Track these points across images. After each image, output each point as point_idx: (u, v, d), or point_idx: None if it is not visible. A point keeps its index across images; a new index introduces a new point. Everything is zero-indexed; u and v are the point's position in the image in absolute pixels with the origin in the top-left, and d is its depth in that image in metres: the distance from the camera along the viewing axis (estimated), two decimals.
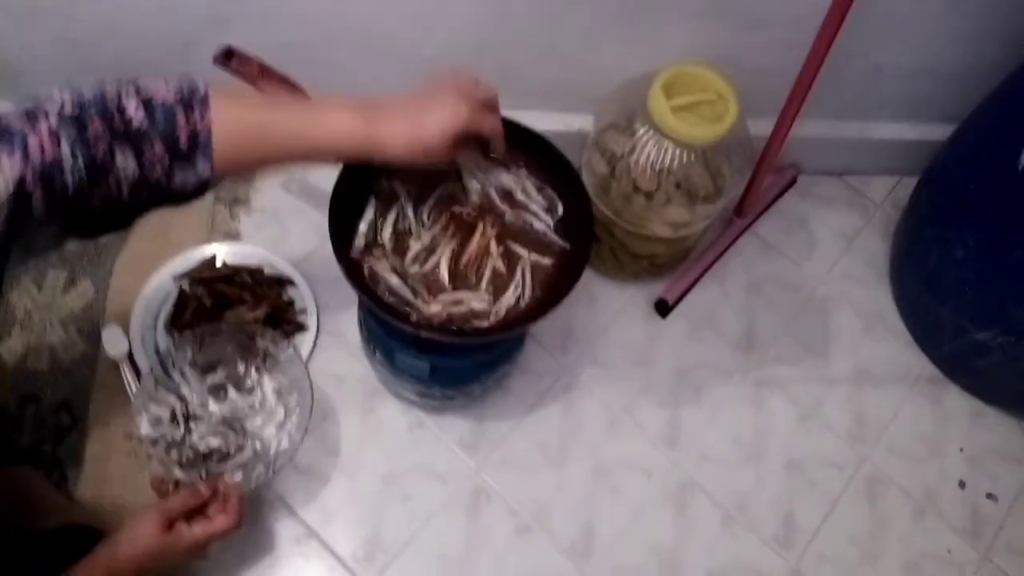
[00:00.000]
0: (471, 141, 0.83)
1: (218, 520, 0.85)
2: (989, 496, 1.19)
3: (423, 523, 1.07)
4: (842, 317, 1.30)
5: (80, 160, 0.65)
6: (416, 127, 0.77)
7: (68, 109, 0.65)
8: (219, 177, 0.73)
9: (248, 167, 0.77)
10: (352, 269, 0.88)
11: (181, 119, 0.69)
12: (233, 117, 0.72)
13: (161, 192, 0.72)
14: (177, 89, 0.70)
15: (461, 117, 0.78)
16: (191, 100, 0.69)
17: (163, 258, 1.16)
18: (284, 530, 1.05)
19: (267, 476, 0.97)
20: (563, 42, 1.13)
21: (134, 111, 0.67)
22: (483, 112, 0.81)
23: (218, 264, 1.16)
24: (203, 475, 0.94)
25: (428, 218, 0.92)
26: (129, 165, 0.68)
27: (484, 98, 0.82)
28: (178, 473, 0.93)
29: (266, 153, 0.75)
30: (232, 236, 1.22)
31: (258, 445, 0.99)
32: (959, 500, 1.18)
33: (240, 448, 0.97)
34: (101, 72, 1.13)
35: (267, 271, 1.17)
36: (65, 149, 0.64)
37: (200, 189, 0.74)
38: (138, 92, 0.68)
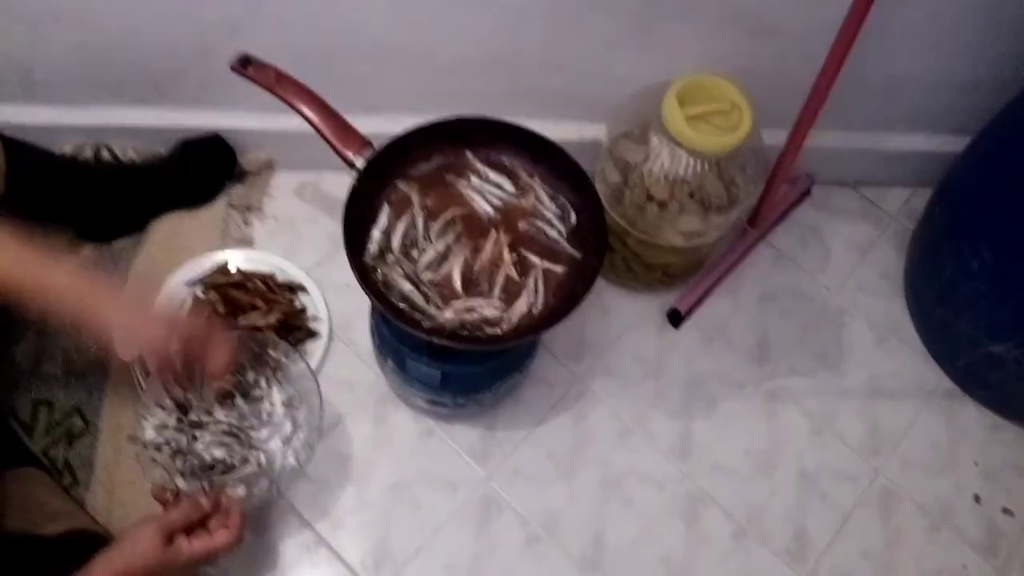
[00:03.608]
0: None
1: (219, 535, 0.84)
2: (1005, 511, 1.17)
3: (432, 532, 1.07)
4: (856, 329, 1.29)
5: None
6: (126, 320, 0.83)
7: None
8: None
9: None
10: (365, 275, 0.88)
11: None
12: None
13: None
14: None
15: (163, 335, 0.84)
16: None
17: (177, 264, 1.16)
18: (293, 537, 1.04)
19: (271, 494, 0.96)
20: (577, 51, 1.13)
21: None
22: (193, 346, 0.85)
23: (231, 270, 1.17)
24: (206, 486, 0.93)
25: (436, 236, 0.92)
26: None
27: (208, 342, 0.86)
28: (180, 482, 0.92)
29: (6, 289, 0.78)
30: (245, 243, 1.23)
31: (262, 459, 0.98)
32: (974, 515, 1.16)
33: (244, 460, 0.96)
34: (119, 78, 1.15)
35: (280, 277, 1.17)
36: None
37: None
38: None
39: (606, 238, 0.92)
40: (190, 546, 0.82)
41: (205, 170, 1.23)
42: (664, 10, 1.07)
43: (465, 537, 1.07)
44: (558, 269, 0.92)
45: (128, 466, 1.03)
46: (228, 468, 0.95)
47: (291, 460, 0.98)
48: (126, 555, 0.79)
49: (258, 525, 1.04)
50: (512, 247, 0.93)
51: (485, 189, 0.95)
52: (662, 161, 1.04)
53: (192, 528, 0.85)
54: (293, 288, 1.17)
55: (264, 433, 0.99)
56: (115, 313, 0.81)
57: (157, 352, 0.86)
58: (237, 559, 1.01)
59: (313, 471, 1.08)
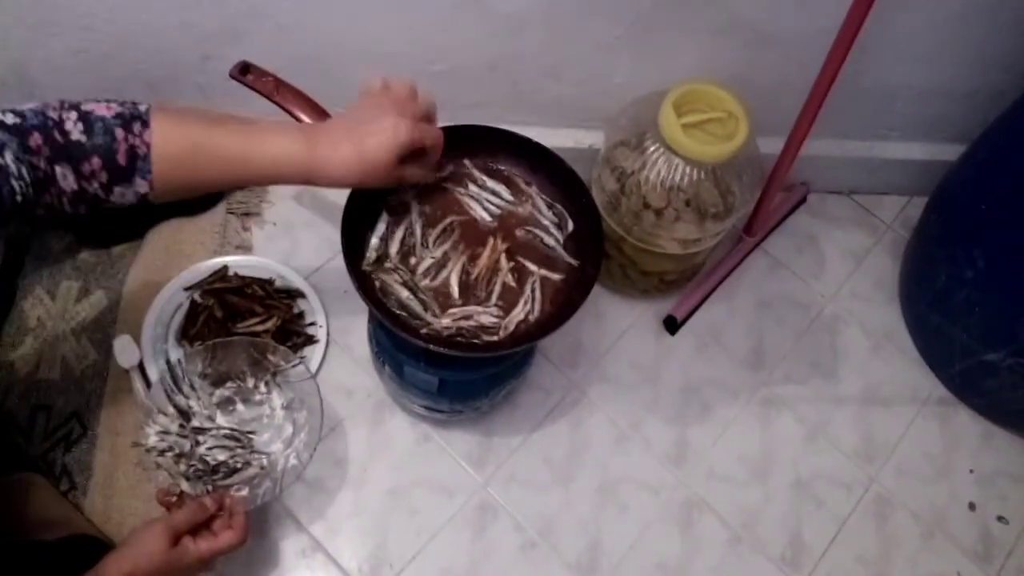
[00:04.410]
0: (416, 156, 0.84)
1: (224, 536, 0.85)
2: (999, 519, 1.18)
3: (429, 538, 1.07)
4: (851, 336, 1.30)
5: (23, 169, 0.66)
6: (358, 150, 0.78)
7: (9, 120, 0.67)
8: (159, 194, 0.74)
9: (189, 186, 0.77)
10: (363, 282, 0.89)
11: (120, 135, 0.70)
12: (172, 137, 0.73)
13: (99, 206, 0.74)
14: (118, 107, 0.71)
15: (401, 136, 0.78)
16: (130, 118, 0.71)
17: (175, 269, 1.17)
18: (290, 542, 1.05)
19: (274, 493, 0.97)
20: (574, 59, 1.14)
21: (72, 125, 0.69)
22: (422, 126, 0.81)
23: (230, 276, 1.17)
24: (209, 489, 0.94)
25: (433, 244, 0.93)
26: (68, 178, 0.69)
27: (422, 111, 0.83)
28: (185, 486, 0.93)
29: (206, 173, 0.76)
30: (244, 248, 1.23)
31: (265, 461, 0.98)
32: (969, 522, 1.17)
33: (247, 463, 0.97)
34: (119, 84, 1.15)
35: (278, 283, 1.17)
36: (7, 158, 0.65)
37: (139, 204, 0.75)
38: (78, 109, 0.70)
39: (603, 246, 0.93)
40: (196, 547, 0.83)
41: None
42: (661, 19, 1.07)
43: (461, 543, 1.07)
44: (555, 276, 0.93)
45: (126, 471, 1.03)
46: (231, 471, 0.96)
47: (293, 461, 0.99)
48: (133, 556, 0.80)
49: (255, 529, 1.04)
50: (509, 254, 0.93)
51: (483, 196, 0.96)
52: (658, 169, 1.04)
53: (197, 529, 0.85)
54: (291, 294, 1.18)
55: (266, 436, 1.00)
56: (341, 150, 0.77)
57: (392, 170, 0.80)
58: (234, 563, 1.01)
59: (310, 476, 1.08)
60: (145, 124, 0.72)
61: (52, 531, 0.92)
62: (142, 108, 0.73)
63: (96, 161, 0.70)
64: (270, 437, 1.01)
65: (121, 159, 0.71)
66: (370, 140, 0.78)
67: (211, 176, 0.77)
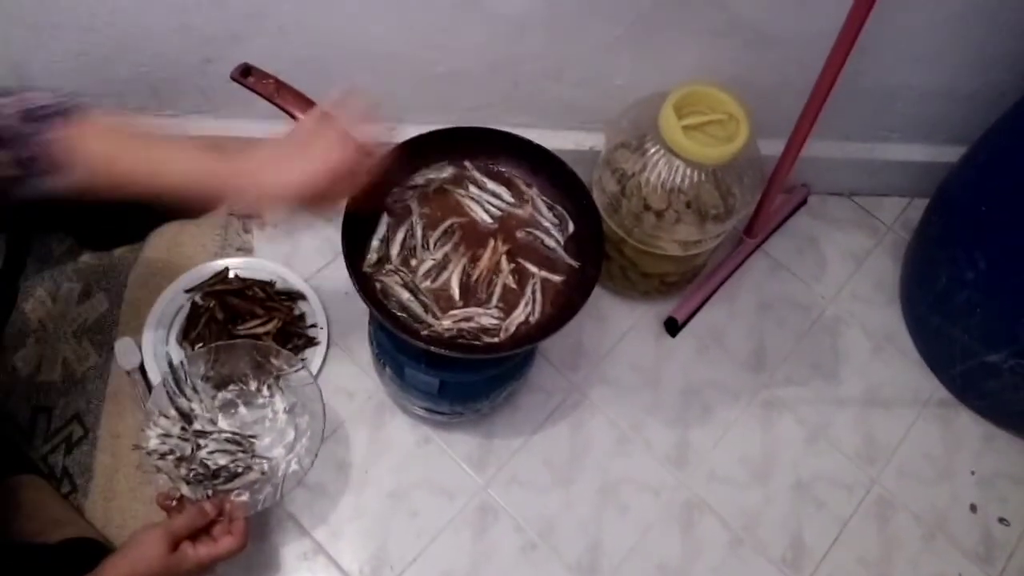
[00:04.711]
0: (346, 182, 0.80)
1: (223, 542, 0.85)
2: (1001, 520, 1.18)
3: (430, 540, 1.07)
4: (852, 338, 1.30)
5: None
6: (282, 176, 0.75)
7: None
8: (68, 190, 0.72)
9: (102, 190, 0.74)
10: (364, 284, 0.89)
11: (32, 130, 0.69)
12: (90, 140, 0.71)
13: (5, 197, 0.71)
14: (44, 102, 0.70)
15: (329, 169, 0.75)
16: (50, 115, 0.70)
17: (176, 271, 1.17)
18: (291, 545, 1.05)
19: (274, 499, 0.97)
20: (575, 61, 1.14)
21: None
22: (359, 158, 0.78)
23: (230, 277, 1.17)
24: (210, 494, 0.94)
25: (434, 245, 0.93)
26: None
27: (364, 141, 0.79)
28: (185, 490, 0.93)
29: (118, 180, 0.73)
30: (245, 250, 1.23)
31: (266, 466, 0.98)
32: (970, 524, 1.17)
33: (248, 468, 0.97)
34: (120, 87, 1.15)
35: (279, 285, 1.17)
36: None
37: (47, 200, 0.72)
38: (10, 95, 0.69)
39: (603, 248, 0.93)
40: (195, 552, 0.83)
41: None
42: (662, 21, 1.07)
43: (462, 545, 1.07)
44: (556, 278, 0.93)
45: (127, 474, 1.03)
46: (232, 475, 0.95)
47: (294, 466, 0.99)
48: (131, 561, 0.80)
49: (256, 533, 1.04)
50: (510, 256, 0.93)
51: (483, 198, 0.96)
52: (659, 171, 1.04)
53: (197, 534, 0.85)
54: (292, 296, 1.18)
55: (267, 441, 1.00)
56: (253, 177, 0.74)
57: (306, 201, 0.76)
58: (235, 567, 1.01)
59: (311, 479, 1.08)
60: (62, 124, 0.70)
61: (52, 533, 0.92)
62: (67, 107, 0.71)
63: (3, 154, 0.68)
64: (272, 441, 1.00)
65: (30, 154, 0.69)
66: (295, 168, 0.75)
67: (124, 183, 0.74)
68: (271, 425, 1.02)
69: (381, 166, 0.83)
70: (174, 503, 0.89)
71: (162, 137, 0.76)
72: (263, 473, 0.97)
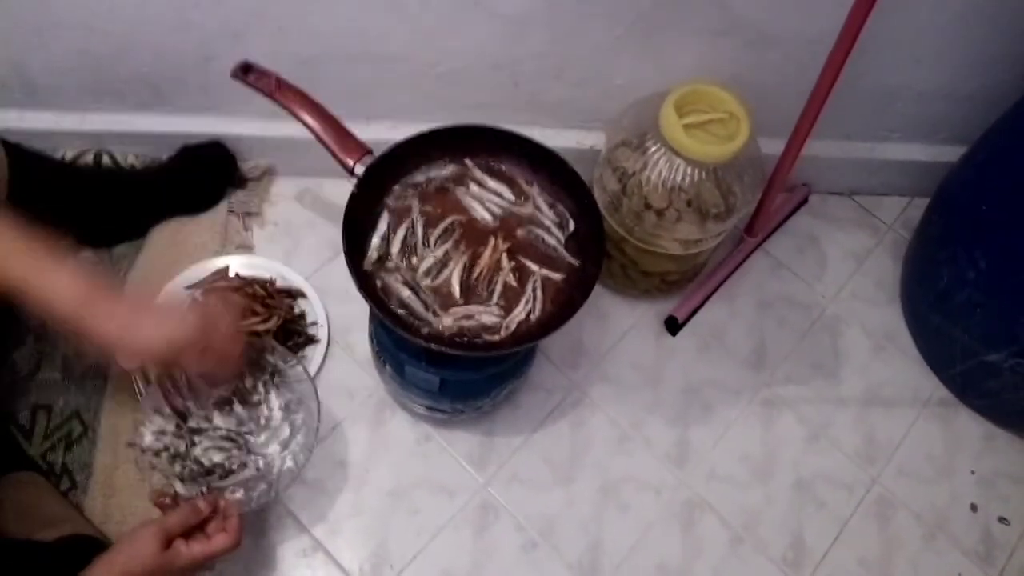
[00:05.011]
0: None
1: (217, 539, 0.84)
2: (1001, 520, 1.18)
3: (430, 538, 1.07)
4: (852, 337, 1.30)
5: None
6: (126, 328, 0.76)
7: None
8: None
9: None
10: (365, 282, 0.89)
11: None
12: None
13: None
14: None
15: (164, 347, 0.77)
16: None
17: (176, 269, 1.17)
18: (290, 543, 1.05)
19: (269, 496, 0.96)
20: (576, 60, 1.14)
21: None
22: (200, 351, 0.80)
23: (231, 275, 1.17)
24: (204, 491, 0.93)
25: (435, 243, 0.93)
26: None
27: (227, 339, 0.82)
28: (179, 487, 0.92)
29: None
30: (245, 248, 1.23)
31: (261, 463, 0.98)
32: (971, 523, 1.17)
33: (243, 465, 0.97)
34: (120, 85, 1.16)
35: (279, 283, 1.17)
36: None
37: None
38: None
39: (604, 246, 0.93)
40: (188, 550, 0.82)
41: (206, 176, 1.23)
42: (662, 20, 1.07)
43: (463, 543, 1.07)
44: (556, 276, 0.93)
45: (126, 471, 1.03)
46: (227, 473, 0.95)
47: (289, 464, 0.98)
48: (124, 559, 0.79)
49: (255, 530, 1.04)
50: (511, 254, 0.93)
51: (484, 196, 0.96)
52: (660, 169, 1.04)
53: (191, 532, 0.85)
54: (292, 294, 1.18)
55: (262, 438, 1.00)
56: (114, 322, 0.76)
57: (157, 363, 0.82)
58: (234, 564, 1.01)
59: (311, 476, 1.08)
60: None
61: (51, 531, 0.92)
62: None
63: None
64: (267, 439, 1.00)
65: None
66: (143, 326, 0.77)
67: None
68: (267, 423, 1.01)
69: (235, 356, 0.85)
70: (168, 500, 0.89)
71: (46, 249, 0.77)
72: (258, 470, 0.97)
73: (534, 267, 0.93)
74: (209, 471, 0.95)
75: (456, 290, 0.91)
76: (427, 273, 0.91)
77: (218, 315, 0.83)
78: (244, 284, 1.15)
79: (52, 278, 0.76)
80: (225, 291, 0.90)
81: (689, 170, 1.03)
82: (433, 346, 0.85)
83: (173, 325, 0.78)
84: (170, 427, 0.96)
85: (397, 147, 0.94)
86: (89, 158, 1.22)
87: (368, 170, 0.92)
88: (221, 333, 0.82)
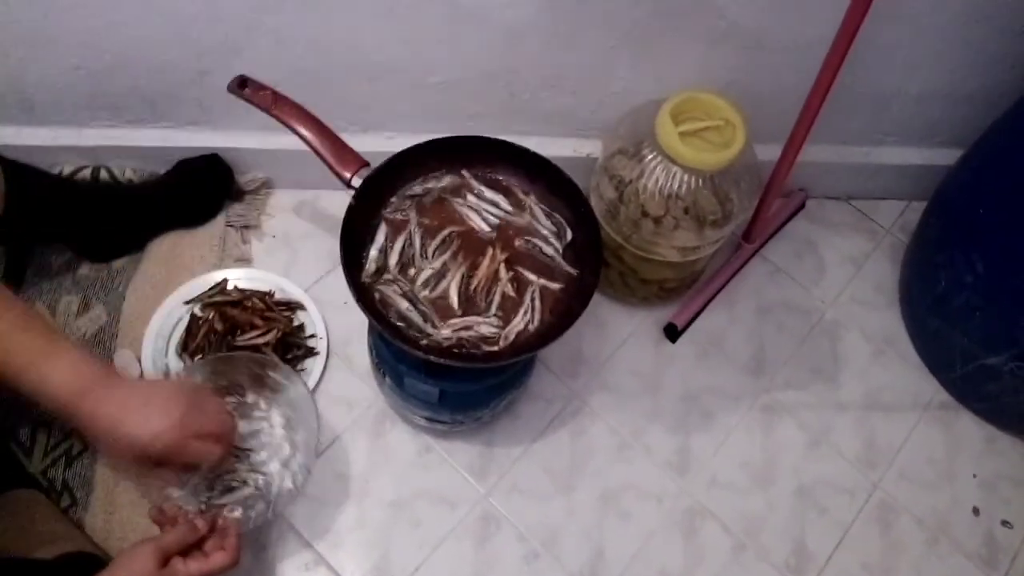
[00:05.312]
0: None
1: (215, 557, 0.84)
2: (1004, 523, 1.17)
3: (432, 549, 1.07)
4: (851, 342, 1.30)
5: None
6: (117, 422, 0.77)
7: None
8: None
9: None
10: (363, 294, 0.89)
11: None
12: None
13: None
14: None
15: (163, 438, 0.79)
16: None
17: (175, 283, 1.17)
18: (292, 557, 1.04)
19: (267, 516, 0.96)
20: (572, 69, 1.14)
21: None
22: (197, 439, 0.82)
23: (229, 288, 1.17)
24: (203, 508, 0.93)
25: (432, 254, 0.93)
26: None
27: (209, 430, 0.84)
28: (176, 494, 0.92)
29: None
30: (243, 261, 1.23)
31: (261, 481, 0.98)
32: (973, 527, 1.17)
33: (243, 483, 0.96)
34: (117, 100, 1.16)
35: (278, 295, 1.17)
36: None
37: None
38: None
39: (602, 255, 0.93)
40: (186, 568, 0.82)
41: (203, 189, 1.23)
42: (658, 28, 1.08)
43: (464, 554, 1.07)
44: (554, 286, 0.93)
45: (127, 487, 1.03)
46: (227, 490, 0.95)
47: (288, 483, 0.98)
48: None
49: (256, 545, 1.03)
50: (509, 264, 0.93)
51: (481, 207, 0.96)
52: (656, 177, 1.04)
53: (189, 550, 0.84)
54: (291, 306, 1.18)
55: (263, 455, 0.99)
56: (101, 422, 0.77)
57: (142, 461, 0.81)
58: None
59: (312, 489, 1.08)
60: None
61: (51, 548, 0.92)
62: None
63: None
64: (268, 456, 1.00)
65: None
66: (132, 419, 0.78)
67: None
68: (268, 439, 1.01)
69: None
70: (168, 518, 0.88)
71: (43, 339, 0.78)
72: (257, 488, 0.97)
73: (532, 277, 0.93)
74: (209, 488, 0.94)
75: (454, 301, 0.91)
76: (425, 284, 0.91)
77: (204, 397, 0.85)
78: (243, 297, 1.15)
79: (45, 370, 0.76)
80: (202, 388, 0.94)
81: (686, 177, 1.04)
82: (432, 357, 0.85)
83: (158, 421, 0.79)
84: None
85: (394, 159, 0.94)
86: (87, 173, 1.22)
87: (365, 182, 0.92)
88: (209, 416, 0.84)
